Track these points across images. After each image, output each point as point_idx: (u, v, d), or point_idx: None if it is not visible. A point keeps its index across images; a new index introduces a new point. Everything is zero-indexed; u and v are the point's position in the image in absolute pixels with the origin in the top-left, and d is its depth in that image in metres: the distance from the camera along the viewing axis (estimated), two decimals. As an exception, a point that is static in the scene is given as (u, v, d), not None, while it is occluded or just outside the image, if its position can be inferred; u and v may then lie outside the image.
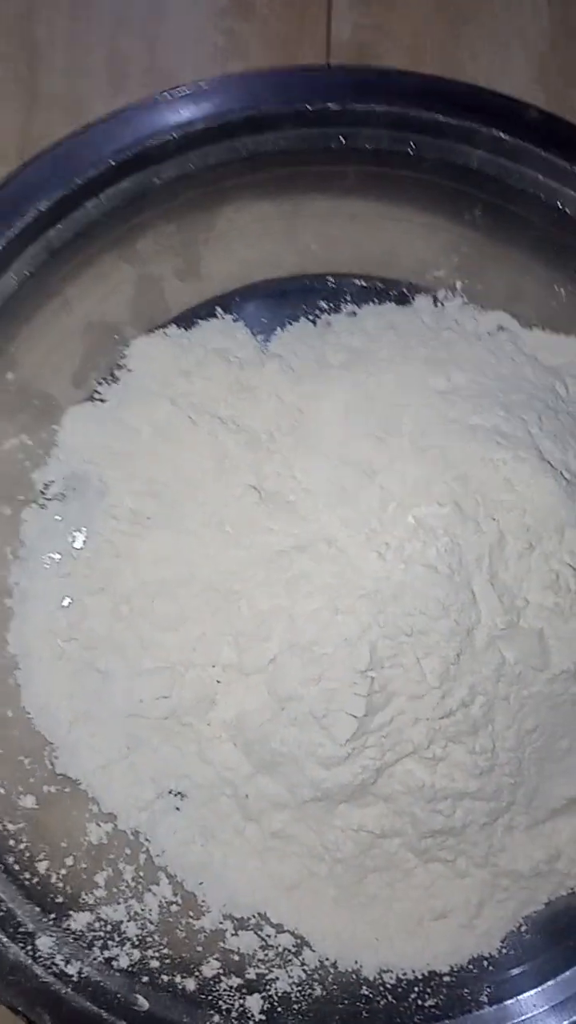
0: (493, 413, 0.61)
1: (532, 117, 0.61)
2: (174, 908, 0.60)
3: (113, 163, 0.59)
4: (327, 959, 0.60)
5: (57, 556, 0.64)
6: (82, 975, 0.56)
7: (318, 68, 0.62)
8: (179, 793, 0.61)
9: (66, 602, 0.63)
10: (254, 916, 0.60)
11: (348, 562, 0.59)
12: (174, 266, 0.64)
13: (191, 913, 0.60)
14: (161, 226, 0.63)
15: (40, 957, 0.55)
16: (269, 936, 0.60)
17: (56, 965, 0.55)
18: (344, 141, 0.61)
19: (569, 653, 0.57)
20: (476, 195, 0.64)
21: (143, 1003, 0.56)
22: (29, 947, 0.55)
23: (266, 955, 0.60)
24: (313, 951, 0.60)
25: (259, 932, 0.60)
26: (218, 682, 0.60)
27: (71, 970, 0.56)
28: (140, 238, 0.62)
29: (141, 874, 0.60)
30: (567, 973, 0.59)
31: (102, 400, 0.65)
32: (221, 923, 0.60)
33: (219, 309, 0.67)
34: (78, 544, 0.64)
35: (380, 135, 0.62)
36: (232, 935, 0.60)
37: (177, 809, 0.61)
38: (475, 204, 0.64)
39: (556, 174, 0.63)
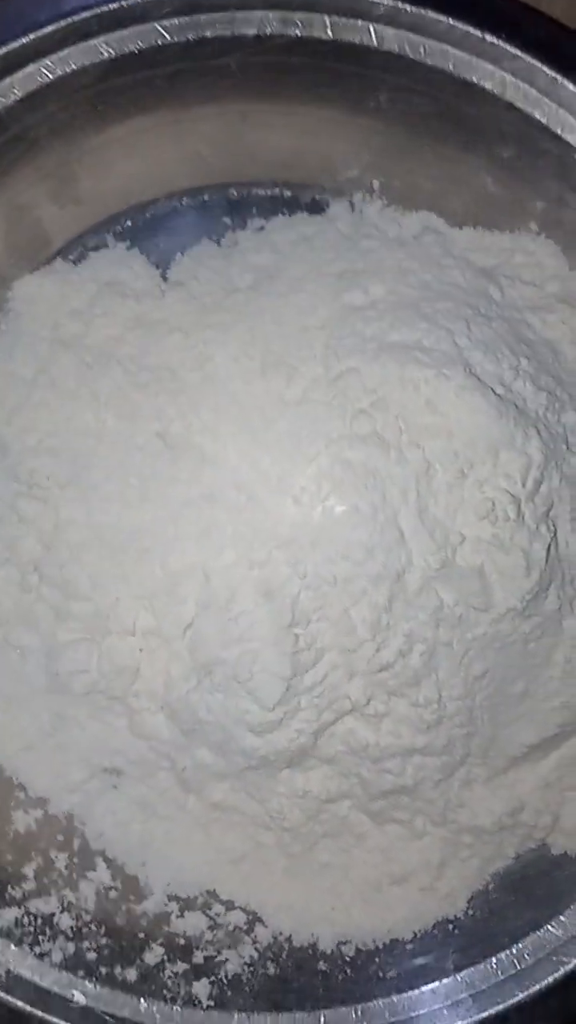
0: (414, 327, 0.55)
1: (434, -22, 0.54)
2: (113, 894, 0.58)
3: (-45, 82, 0.53)
4: (281, 934, 0.58)
5: (-45, 528, 0.59)
6: (11, 974, 0.53)
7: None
8: (114, 770, 0.59)
9: (-31, 578, 0.59)
10: (201, 894, 0.58)
11: (260, 509, 0.55)
12: (47, 190, 0.59)
13: (132, 897, 0.58)
14: (26, 148, 0.57)
15: (-39, 961, 0.52)
16: (218, 915, 0.58)
17: (-20, 968, 0.53)
18: (218, 28, 0.54)
19: (514, 589, 0.53)
20: (380, 77, 0.57)
21: (80, 998, 0.53)
22: (-51, 952, 0.52)
23: (215, 936, 0.58)
24: (266, 927, 0.58)
25: (207, 911, 0.58)
26: (140, 651, 0.57)
27: (-1, 971, 0.53)
28: (2, 164, 0.56)
29: (75, 860, 0.58)
30: (539, 932, 0.55)
31: (-13, 351, 0.61)
32: (166, 905, 0.58)
33: (110, 237, 0.63)
34: (-23, 513, 0.59)
35: (262, 17, 0.55)
36: (178, 917, 0.58)
37: (114, 787, 0.59)
38: (380, 88, 0.58)
39: (468, 45, 0.56)
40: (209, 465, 0.56)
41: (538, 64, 0.56)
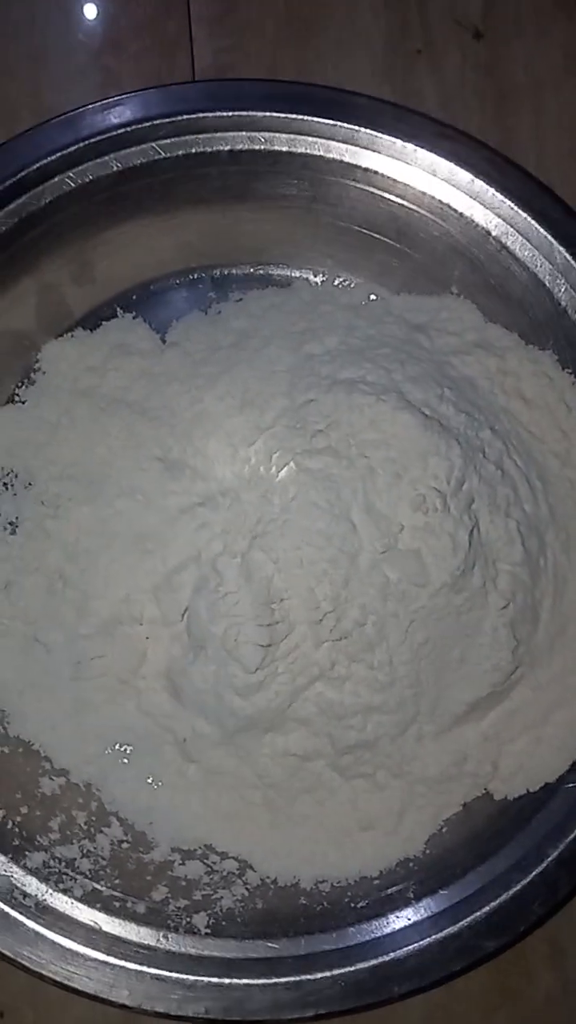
0: (359, 367, 0.67)
1: (360, 103, 0.69)
2: (124, 846, 0.65)
3: (-1, 189, 0.67)
4: (268, 877, 0.65)
5: (-6, 546, 0.69)
6: (39, 904, 0.62)
7: (168, 85, 0.70)
8: (125, 745, 0.66)
9: (5, 585, 0.69)
10: (200, 847, 0.65)
11: (241, 509, 0.65)
12: (70, 273, 0.71)
13: (141, 848, 0.65)
14: (53, 240, 0.69)
15: (-2, 891, 0.61)
16: (214, 863, 0.65)
17: (14, 898, 0.61)
18: (201, 146, 0.69)
19: (445, 567, 0.62)
20: (328, 180, 0.71)
21: (96, 924, 0.62)
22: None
23: (211, 879, 0.64)
24: (255, 871, 0.65)
25: (204, 860, 0.65)
26: (147, 638, 0.66)
27: (28, 902, 0.61)
28: (34, 252, 0.69)
29: (93, 818, 0.65)
30: (482, 866, 0.64)
31: (21, 401, 0.71)
32: (170, 855, 0.65)
33: (119, 308, 0.72)
34: (12, 532, 0.70)
35: (234, 136, 0.69)
36: (180, 864, 0.65)
37: (125, 760, 0.66)
38: (330, 188, 0.71)
39: (396, 154, 0.70)
40: (200, 479, 0.66)
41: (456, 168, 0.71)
